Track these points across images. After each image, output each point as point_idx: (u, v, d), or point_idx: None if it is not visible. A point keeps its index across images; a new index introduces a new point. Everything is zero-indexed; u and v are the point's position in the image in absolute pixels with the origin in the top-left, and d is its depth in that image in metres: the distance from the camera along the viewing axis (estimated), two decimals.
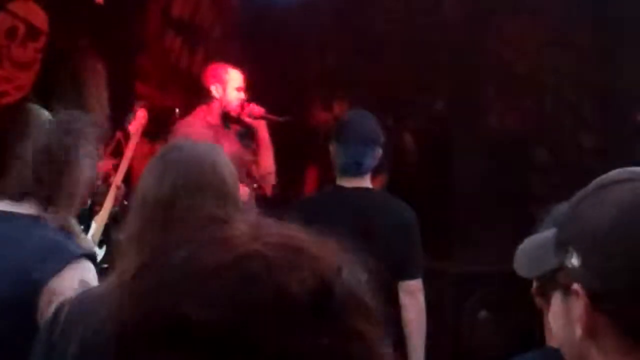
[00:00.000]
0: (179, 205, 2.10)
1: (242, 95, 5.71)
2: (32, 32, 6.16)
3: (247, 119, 5.71)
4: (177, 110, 5.80)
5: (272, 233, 0.98)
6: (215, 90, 5.66)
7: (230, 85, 5.68)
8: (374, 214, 4.21)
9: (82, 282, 2.50)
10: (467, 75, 6.83)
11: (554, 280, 1.55)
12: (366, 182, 4.32)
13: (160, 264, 0.96)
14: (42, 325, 2.18)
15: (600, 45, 6.52)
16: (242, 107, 5.69)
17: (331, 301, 0.94)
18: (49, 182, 2.69)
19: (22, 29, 6.11)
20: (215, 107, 5.66)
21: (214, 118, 5.64)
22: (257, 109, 5.71)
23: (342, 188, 4.29)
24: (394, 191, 6.43)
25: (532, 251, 1.66)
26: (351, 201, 4.23)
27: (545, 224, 2.02)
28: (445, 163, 6.58)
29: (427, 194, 6.51)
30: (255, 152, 5.71)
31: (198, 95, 5.81)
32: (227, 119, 5.69)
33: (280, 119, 5.77)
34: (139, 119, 5.32)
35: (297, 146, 6.40)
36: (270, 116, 5.74)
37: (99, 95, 4.95)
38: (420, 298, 4.27)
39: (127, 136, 5.36)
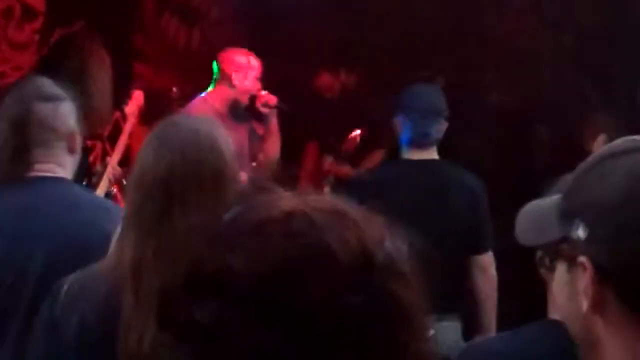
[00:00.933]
0: (177, 181, 2.08)
1: (258, 85, 5.64)
2: (29, 12, 6.15)
3: (262, 109, 5.65)
4: (174, 89, 5.77)
5: (317, 199, 1.01)
6: (236, 78, 5.57)
7: (250, 74, 5.61)
8: (444, 186, 4.20)
9: None
10: (467, 53, 6.81)
11: (557, 250, 1.52)
12: (433, 154, 4.31)
13: (209, 223, 1.01)
14: (44, 303, 2.17)
15: (600, 23, 6.50)
16: (257, 97, 5.63)
17: (371, 262, 0.96)
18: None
19: (18, 9, 6.09)
20: (225, 94, 5.58)
21: (222, 106, 5.55)
22: (271, 99, 5.62)
23: (410, 161, 4.29)
24: None
25: (535, 219, 1.61)
26: (421, 173, 4.22)
27: (549, 195, 2.00)
28: (445, 141, 6.56)
29: None
30: (262, 140, 5.65)
31: (195, 75, 5.78)
32: (238, 107, 5.62)
33: (287, 108, 5.71)
34: (135, 100, 5.30)
35: (299, 118, 6.38)
36: (282, 105, 5.69)
37: (102, 78, 4.93)
38: (492, 272, 4.27)
39: (124, 117, 5.34)
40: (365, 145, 6.40)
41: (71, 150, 2.81)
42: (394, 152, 6.47)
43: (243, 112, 5.64)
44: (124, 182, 4.76)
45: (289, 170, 5.76)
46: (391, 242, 0.99)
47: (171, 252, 1.90)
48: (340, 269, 0.94)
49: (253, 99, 5.62)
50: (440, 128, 4.29)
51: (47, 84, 2.85)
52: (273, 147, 5.69)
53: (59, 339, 2.11)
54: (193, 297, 0.95)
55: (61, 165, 2.79)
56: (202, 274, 0.95)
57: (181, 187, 2.08)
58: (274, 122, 5.67)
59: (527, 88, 6.67)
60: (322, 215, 0.98)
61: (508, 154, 6.41)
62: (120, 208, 2.64)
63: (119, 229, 2.50)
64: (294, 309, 0.92)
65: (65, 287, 2.17)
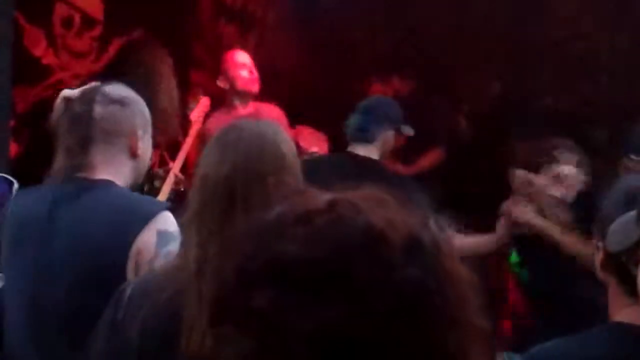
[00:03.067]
0: (239, 183, 2.11)
1: (245, 72, 5.68)
2: (88, 21, 6.23)
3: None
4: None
5: (357, 191, 1.05)
6: (223, 79, 5.69)
7: (232, 65, 5.68)
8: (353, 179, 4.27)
9: (160, 232, 2.54)
10: (522, 57, 6.78)
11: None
12: (369, 151, 4.52)
13: (257, 218, 1.03)
14: (107, 305, 2.20)
15: None
16: (251, 82, 5.68)
17: (420, 241, 1.00)
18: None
19: (78, 18, 6.18)
20: (231, 102, 5.67)
21: (237, 112, 5.58)
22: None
23: (345, 153, 4.60)
24: (449, 174, 6.45)
25: (621, 226, 1.72)
26: (340, 165, 4.41)
27: (612, 196, 2.02)
28: (499, 145, 6.55)
29: (481, 176, 6.49)
30: None
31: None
32: (244, 96, 5.67)
33: None
34: (202, 106, 5.34)
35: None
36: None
37: (167, 81, 4.98)
38: None
39: (187, 123, 5.38)
40: (420, 145, 6.39)
41: (132, 154, 2.80)
42: (450, 152, 6.50)
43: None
44: (182, 189, 4.83)
45: None
46: (434, 224, 1.03)
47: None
48: (392, 247, 0.97)
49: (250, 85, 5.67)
50: (380, 129, 4.56)
51: (113, 87, 2.83)
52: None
53: (122, 339, 2.13)
54: (249, 288, 0.97)
55: (117, 167, 2.76)
56: (255, 265, 0.97)
57: (243, 189, 2.10)
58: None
59: (583, 91, 6.63)
60: (365, 202, 1.01)
61: None
62: (152, 212, 2.62)
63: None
64: (352, 287, 0.94)
65: (129, 290, 2.19)
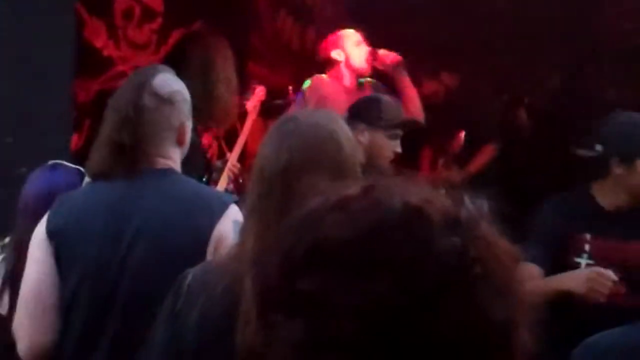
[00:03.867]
0: (296, 176, 2.11)
1: (364, 48, 5.60)
2: (148, 13, 6.27)
3: (382, 67, 5.60)
4: (290, 88, 5.81)
5: (387, 178, 1.08)
6: (337, 55, 5.57)
7: (347, 43, 5.60)
8: None
9: (235, 222, 2.58)
10: (583, 48, 6.70)
11: None
12: None
13: (297, 211, 1.06)
14: (168, 294, 2.22)
15: None
16: (371, 58, 5.59)
17: (458, 216, 1.02)
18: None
19: (138, 10, 6.22)
20: (344, 72, 5.57)
21: (347, 80, 5.54)
22: (390, 56, 5.58)
23: None
24: (510, 167, 6.39)
25: None
26: None
27: None
28: (561, 138, 6.48)
29: (542, 170, 6.42)
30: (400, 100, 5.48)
31: (309, 74, 5.81)
32: (362, 76, 5.58)
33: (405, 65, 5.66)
34: (257, 95, 5.35)
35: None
36: (401, 62, 5.61)
37: (227, 68, 5.00)
38: None
39: (244, 113, 5.40)
40: (473, 145, 6.35)
41: (180, 142, 2.86)
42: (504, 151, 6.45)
43: (363, 82, 5.60)
44: (240, 180, 4.84)
45: (405, 170, 5.75)
46: (470, 202, 1.05)
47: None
48: (430, 222, 0.99)
49: (368, 63, 5.58)
50: None
51: (160, 81, 2.87)
52: (413, 105, 5.54)
53: (180, 329, 2.15)
54: (294, 274, 0.99)
55: (169, 158, 2.83)
56: (298, 253, 1.00)
57: (300, 179, 2.09)
58: (403, 80, 5.58)
59: None
60: (398, 186, 1.04)
61: None
62: (226, 203, 2.69)
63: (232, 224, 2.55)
64: (394, 261, 0.97)
65: (188, 279, 2.21)
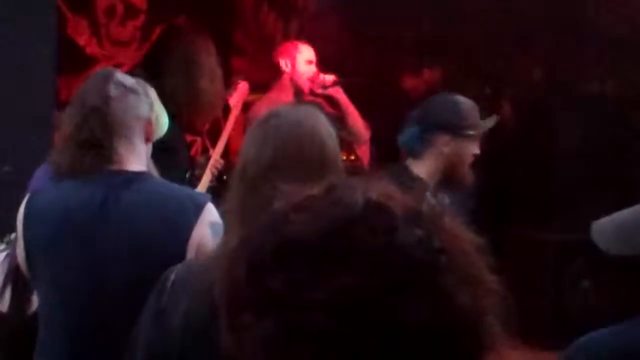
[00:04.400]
0: (280, 173, 2.11)
1: (313, 68, 5.65)
2: (131, 10, 6.27)
3: (321, 91, 5.66)
4: (271, 85, 5.81)
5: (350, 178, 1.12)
6: (284, 64, 5.62)
7: (299, 59, 5.63)
8: None
9: (212, 224, 2.56)
10: (565, 41, 6.72)
11: None
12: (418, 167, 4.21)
13: (262, 216, 1.09)
14: (151, 293, 2.21)
15: None
16: (313, 80, 5.64)
17: (419, 210, 1.04)
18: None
19: (120, 7, 6.21)
20: (287, 84, 5.61)
21: (288, 95, 5.57)
22: (327, 78, 5.63)
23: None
24: (492, 160, 6.41)
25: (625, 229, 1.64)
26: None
27: None
28: (544, 130, 6.50)
29: (526, 162, 6.45)
30: (343, 120, 5.58)
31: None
32: (300, 94, 5.63)
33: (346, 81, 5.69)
34: (240, 91, 5.34)
35: (390, 114, 6.37)
36: (340, 80, 5.66)
37: (210, 62, 4.98)
38: None
39: (226, 109, 5.39)
40: None
41: (147, 139, 2.83)
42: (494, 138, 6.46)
43: (302, 99, 5.63)
44: (224, 177, 4.83)
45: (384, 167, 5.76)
46: (431, 196, 1.08)
47: None
48: (392, 215, 1.02)
49: (310, 83, 5.63)
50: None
51: (122, 75, 2.87)
52: (355, 122, 5.65)
53: (165, 329, 2.14)
54: (261, 274, 1.01)
55: (139, 156, 2.79)
56: (263, 253, 1.02)
57: (283, 177, 2.10)
58: (343, 99, 5.64)
59: (631, 77, 6.56)
60: (360, 183, 1.06)
61: (607, 142, 6.31)
62: (201, 205, 2.64)
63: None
64: (357, 254, 0.99)
65: (172, 277, 2.20)
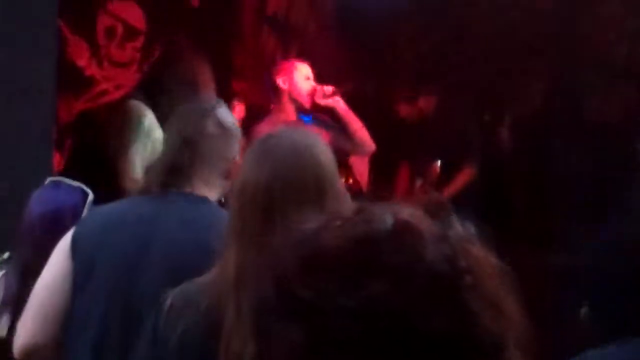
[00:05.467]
0: (277, 194, 2.11)
1: (311, 83, 5.61)
2: (130, 31, 6.27)
3: (321, 102, 5.63)
4: (272, 106, 5.81)
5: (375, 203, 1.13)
6: (282, 82, 5.59)
7: (297, 75, 5.60)
8: None
9: None
10: (565, 60, 6.74)
11: None
12: None
13: (290, 233, 1.12)
14: (147, 318, 2.21)
15: None
16: (312, 94, 5.62)
17: (445, 232, 1.07)
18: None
19: (120, 28, 6.22)
20: (287, 102, 5.59)
21: (289, 114, 5.56)
22: (326, 88, 5.60)
23: None
24: (492, 184, 6.41)
25: None
26: None
27: None
28: (543, 155, 6.50)
29: (525, 187, 6.45)
30: (344, 132, 5.57)
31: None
32: (302, 110, 5.61)
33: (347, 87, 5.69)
34: (236, 113, 5.35)
35: (387, 140, 6.37)
36: (340, 89, 5.64)
37: (205, 85, 4.98)
38: None
39: None
40: (451, 167, 6.37)
41: (227, 175, 2.90)
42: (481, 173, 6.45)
43: (310, 114, 5.63)
44: (222, 199, 4.83)
45: (382, 191, 5.76)
46: (457, 222, 1.10)
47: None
48: (422, 233, 1.05)
49: (310, 98, 5.62)
50: None
51: (223, 112, 2.98)
52: (359, 132, 5.61)
53: (161, 352, 2.14)
54: (290, 286, 1.04)
55: (211, 187, 2.88)
56: (293, 266, 1.05)
57: (282, 199, 2.10)
58: (343, 109, 5.61)
59: (627, 98, 6.56)
60: (389, 207, 1.09)
61: (607, 166, 6.30)
62: None
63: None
64: (390, 266, 1.02)
65: (169, 300, 2.20)
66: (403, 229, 1.05)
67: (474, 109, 6.78)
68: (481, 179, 6.46)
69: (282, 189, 2.12)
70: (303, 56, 6.13)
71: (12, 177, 3.58)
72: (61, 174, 5.37)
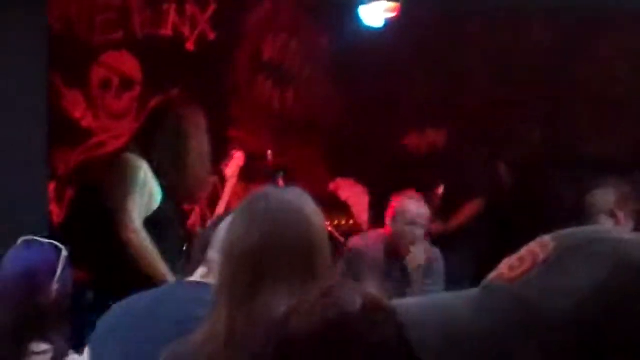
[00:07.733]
0: (267, 254, 2.09)
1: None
2: (126, 82, 6.28)
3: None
4: (269, 152, 5.77)
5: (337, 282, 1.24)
6: None
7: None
8: None
9: None
10: (561, 102, 6.74)
11: None
12: None
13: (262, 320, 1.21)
14: None
15: None
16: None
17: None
18: None
19: (115, 80, 6.23)
20: None
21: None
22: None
23: None
24: (491, 221, 6.38)
25: None
26: None
27: None
28: (542, 191, 6.49)
29: (524, 223, 6.41)
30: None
31: (289, 136, 5.81)
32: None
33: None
34: (236, 161, 5.33)
35: (391, 176, 6.35)
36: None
37: (199, 138, 4.95)
38: None
39: (223, 179, 5.37)
40: (456, 199, 6.35)
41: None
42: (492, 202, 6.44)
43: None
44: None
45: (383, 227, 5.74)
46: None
47: (261, 324, 1.89)
48: (385, 310, 1.10)
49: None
50: None
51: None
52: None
53: None
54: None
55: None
56: (268, 348, 1.10)
57: (271, 259, 2.08)
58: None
59: (624, 136, 6.56)
60: (346, 286, 1.15)
61: None
62: None
63: None
64: (363, 345, 1.06)
65: (163, 359, 2.18)
66: (371, 307, 1.08)
67: (473, 144, 6.78)
68: (486, 215, 6.45)
69: (271, 254, 2.09)
70: (299, 99, 6.13)
71: (7, 237, 3.54)
72: (61, 226, 5.37)
